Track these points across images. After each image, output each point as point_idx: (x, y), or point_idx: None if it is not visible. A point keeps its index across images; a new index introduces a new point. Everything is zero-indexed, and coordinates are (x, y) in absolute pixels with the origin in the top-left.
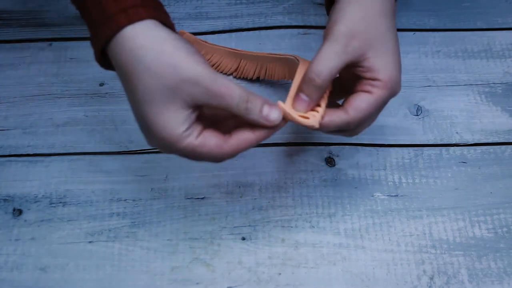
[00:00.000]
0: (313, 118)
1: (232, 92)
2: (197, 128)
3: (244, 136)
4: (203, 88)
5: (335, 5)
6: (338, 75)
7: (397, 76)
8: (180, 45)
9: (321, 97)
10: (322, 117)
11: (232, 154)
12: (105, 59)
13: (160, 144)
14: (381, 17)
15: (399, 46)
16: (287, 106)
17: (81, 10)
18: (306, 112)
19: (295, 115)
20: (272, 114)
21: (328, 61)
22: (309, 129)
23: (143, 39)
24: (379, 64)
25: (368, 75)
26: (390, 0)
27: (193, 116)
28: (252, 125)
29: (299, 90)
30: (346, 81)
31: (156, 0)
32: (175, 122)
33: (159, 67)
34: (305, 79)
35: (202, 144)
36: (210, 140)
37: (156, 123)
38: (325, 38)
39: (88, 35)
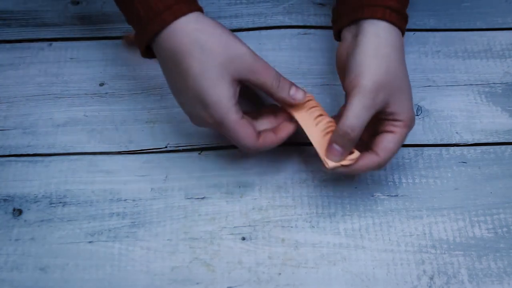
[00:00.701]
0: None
1: (269, 71)
2: (240, 110)
3: (269, 136)
4: (247, 64)
5: (354, 55)
6: None
7: (413, 113)
8: (223, 28)
9: (353, 147)
10: (356, 161)
11: (259, 148)
12: (147, 50)
13: (209, 115)
14: (401, 64)
15: (409, 82)
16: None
17: (125, 8)
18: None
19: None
20: (298, 95)
21: (360, 116)
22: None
23: (194, 26)
24: (400, 108)
25: (390, 117)
26: (401, 41)
27: (237, 94)
28: (275, 129)
29: (332, 141)
30: (369, 123)
31: None
32: (227, 94)
33: (212, 46)
34: (339, 133)
35: (244, 125)
36: (249, 126)
37: (212, 94)
38: (350, 90)
39: (88, 36)
